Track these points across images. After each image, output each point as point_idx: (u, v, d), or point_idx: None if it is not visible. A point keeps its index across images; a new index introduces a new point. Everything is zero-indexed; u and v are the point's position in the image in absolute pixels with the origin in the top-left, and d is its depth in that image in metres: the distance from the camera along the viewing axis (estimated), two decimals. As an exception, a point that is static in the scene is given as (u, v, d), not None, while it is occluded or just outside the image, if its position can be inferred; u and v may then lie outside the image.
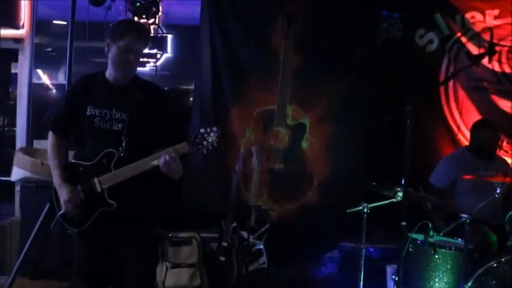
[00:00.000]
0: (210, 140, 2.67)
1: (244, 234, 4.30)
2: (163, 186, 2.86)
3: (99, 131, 2.79)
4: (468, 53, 4.67)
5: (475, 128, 4.37)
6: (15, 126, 6.56)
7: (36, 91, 5.60)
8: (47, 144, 2.98)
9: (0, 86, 5.53)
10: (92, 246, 2.87)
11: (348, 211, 3.82)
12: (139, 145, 2.76)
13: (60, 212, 2.80)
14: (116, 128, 2.78)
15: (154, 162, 2.68)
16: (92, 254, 2.88)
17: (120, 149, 2.73)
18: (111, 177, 2.73)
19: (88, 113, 2.80)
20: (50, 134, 2.96)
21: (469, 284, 3.47)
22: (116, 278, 2.87)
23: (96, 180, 2.74)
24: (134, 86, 2.83)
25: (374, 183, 3.84)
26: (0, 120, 6.60)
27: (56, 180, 2.84)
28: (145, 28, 2.96)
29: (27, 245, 3.95)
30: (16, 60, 5.40)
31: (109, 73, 2.85)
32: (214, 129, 2.69)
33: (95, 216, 2.76)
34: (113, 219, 2.77)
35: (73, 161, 2.88)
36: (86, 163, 2.80)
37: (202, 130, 2.69)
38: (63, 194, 2.78)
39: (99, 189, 2.74)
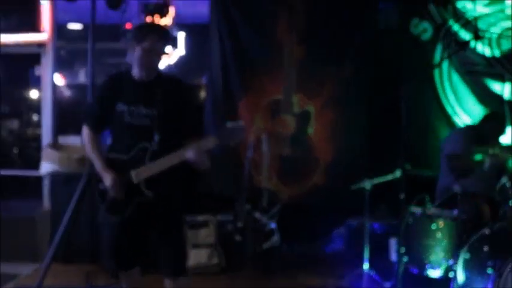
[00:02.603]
0: (236, 133, 2.87)
1: (257, 215, 4.57)
2: (186, 175, 3.09)
3: (129, 126, 2.98)
4: (456, 39, 4.95)
5: (485, 120, 4.52)
6: (33, 125, 6.90)
7: (56, 92, 5.86)
8: (83, 137, 3.17)
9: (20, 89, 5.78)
10: (127, 233, 3.08)
11: (352, 188, 4.13)
12: (170, 138, 2.95)
13: (107, 199, 2.97)
14: (144, 123, 2.97)
15: (184, 156, 2.88)
16: (126, 240, 3.09)
17: (152, 143, 2.93)
18: (146, 170, 2.93)
19: (118, 110, 3.00)
20: (85, 129, 3.16)
21: (464, 250, 3.73)
22: (152, 260, 3.13)
23: (132, 172, 2.94)
24: (158, 82, 3.02)
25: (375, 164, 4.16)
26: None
27: (99, 168, 3.02)
28: (165, 29, 3.11)
29: (60, 232, 4.16)
30: (34, 64, 5.64)
31: (135, 72, 3.04)
32: (241, 123, 2.90)
33: (133, 206, 2.98)
34: (149, 208, 2.99)
35: (110, 156, 3.06)
36: (122, 157, 2.99)
37: (229, 124, 2.87)
38: (108, 179, 2.96)
39: (135, 181, 2.94)
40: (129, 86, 3.04)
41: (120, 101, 3.01)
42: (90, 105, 3.25)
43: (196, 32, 5.72)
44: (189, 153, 2.87)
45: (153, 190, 2.97)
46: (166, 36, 3.07)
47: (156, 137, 2.93)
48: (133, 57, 3.02)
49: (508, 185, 3.88)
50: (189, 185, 3.21)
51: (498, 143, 4.56)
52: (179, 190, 3.13)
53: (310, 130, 5.21)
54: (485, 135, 4.44)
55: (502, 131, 4.50)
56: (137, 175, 2.94)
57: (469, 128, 4.77)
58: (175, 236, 3.10)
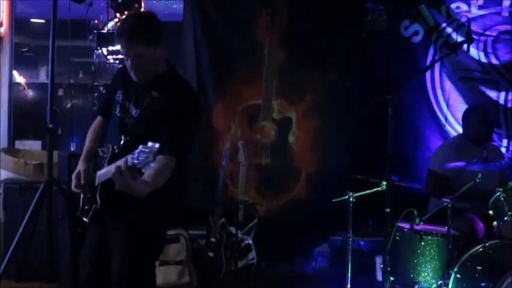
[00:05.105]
0: (144, 157, 2.33)
1: (233, 229, 4.51)
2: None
3: (116, 120, 2.80)
4: (447, 41, 4.97)
5: (466, 115, 4.57)
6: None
7: (14, 91, 5.77)
8: None
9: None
10: (89, 250, 2.87)
11: (334, 201, 4.07)
12: (133, 145, 2.55)
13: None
14: (127, 122, 2.76)
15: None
16: (88, 257, 2.87)
17: (117, 145, 2.69)
18: (102, 174, 2.67)
19: (115, 100, 2.83)
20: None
21: (455, 269, 3.71)
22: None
23: (97, 173, 2.72)
24: (156, 83, 2.71)
25: (359, 176, 4.10)
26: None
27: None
28: (135, 24, 2.63)
29: (12, 246, 4.04)
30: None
31: None
32: (157, 145, 2.33)
33: (92, 212, 2.75)
34: (102, 217, 2.76)
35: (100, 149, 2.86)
36: (102, 154, 2.79)
37: (150, 144, 2.35)
38: (77, 169, 2.80)
39: (96, 184, 2.71)
40: (130, 79, 2.77)
41: (120, 90, 2.83)
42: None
43: (169, 30, 5.65)
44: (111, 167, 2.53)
45: (103, 198, 2.69)
46: (137, 34, 2.58)
47: (123, 140, 2.69)
48: None
49: (502, 198, 3.86)
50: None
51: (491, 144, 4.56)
52: (138, 201, 2.69)
53: (291, 138, 5.17)
54: (472, 137, 4.41)
55: (486, 124, 4.47)
56: (98, 177, 2.70)
57: (451, 141, 4.75)
58: (125, 253, 2.74)
